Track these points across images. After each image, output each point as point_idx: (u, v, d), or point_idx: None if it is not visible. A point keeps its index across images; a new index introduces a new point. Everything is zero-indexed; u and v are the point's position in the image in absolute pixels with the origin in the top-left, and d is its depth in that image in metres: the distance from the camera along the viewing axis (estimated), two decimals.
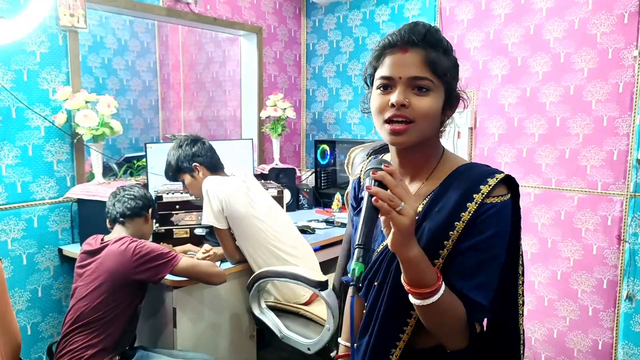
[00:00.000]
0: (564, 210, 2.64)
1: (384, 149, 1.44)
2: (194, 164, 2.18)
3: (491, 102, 2.83)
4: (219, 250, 2.20)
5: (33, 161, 2.32)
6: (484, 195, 0.90)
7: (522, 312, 1.02)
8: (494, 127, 2.84)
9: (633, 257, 2.44)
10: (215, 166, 2.23)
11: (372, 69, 0.98)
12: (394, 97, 0.90)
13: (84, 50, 3.29)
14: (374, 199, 0.80)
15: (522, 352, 1.04)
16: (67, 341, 1.79)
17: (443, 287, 0.87)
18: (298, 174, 3.59)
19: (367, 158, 1.35)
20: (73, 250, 2.35)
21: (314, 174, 3.55)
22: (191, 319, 2.09)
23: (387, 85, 0.93)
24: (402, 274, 0.88)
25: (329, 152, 3.49)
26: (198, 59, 4.18)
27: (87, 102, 2.31)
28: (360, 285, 0.79)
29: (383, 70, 0.94)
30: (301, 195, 3.38)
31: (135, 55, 3.87)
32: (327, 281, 1.93)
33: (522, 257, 1.02)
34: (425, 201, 0.96)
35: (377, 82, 0.95)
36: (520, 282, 1.01)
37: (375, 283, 0.98)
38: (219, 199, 2.08)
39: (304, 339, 2.03)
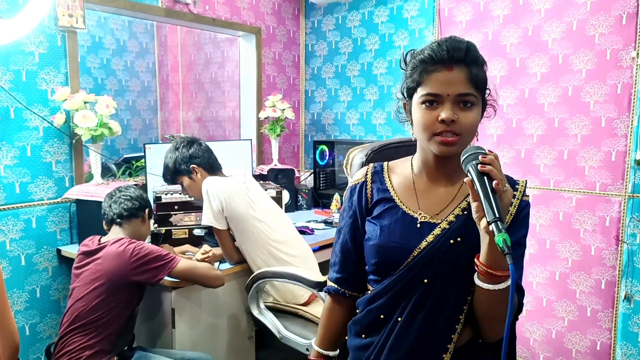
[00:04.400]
0: (562, 211, 2.64)
1: (383, 149, 1.45)
2: (192, 165, 2.18)
3: None
4: (218, 250, 2.20)
5: (31, 162, 2.32)
6: (521, 194, 1.04)
7: None
8: (493, 127, 2.84)
9: (631, 258, 2.44)
10: (213, 167, 2.23)
11: (414, 83, 1.02)
12: (444, 114, 0.96)
13: (82, 51, 3.29)
14: (494, 182, 0.87)
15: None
16: (65, 342, 1.79)
17: None
18: (297, 174, 3.59)
19: (366, 159, 1.36)
20: (71, 250, 2.34)
21: (312, 175, 3.55)
22: (190, 319, 2.08)
23: (433, 101, 0.98)
24: (479, 256, 0.93)
25: (327, 153, 3.49)
26: (197, 60, 4.18)
27: (85, 102, 2.31)
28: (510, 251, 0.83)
29: (429, 87, 0.98)
30: (300, 196, 3.38)
31: (134, 55, 3.86)
32: (325, 282, 1.92)
33: None
34: (469, 198, 1.00)
35: (421, 98, 0.99)
36: None
37: (425, 280, 1.01)
38: (220, 199, 2.08)
39: (303, 339, 2.02)
